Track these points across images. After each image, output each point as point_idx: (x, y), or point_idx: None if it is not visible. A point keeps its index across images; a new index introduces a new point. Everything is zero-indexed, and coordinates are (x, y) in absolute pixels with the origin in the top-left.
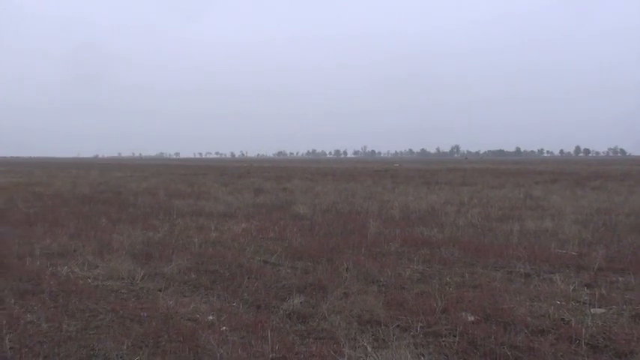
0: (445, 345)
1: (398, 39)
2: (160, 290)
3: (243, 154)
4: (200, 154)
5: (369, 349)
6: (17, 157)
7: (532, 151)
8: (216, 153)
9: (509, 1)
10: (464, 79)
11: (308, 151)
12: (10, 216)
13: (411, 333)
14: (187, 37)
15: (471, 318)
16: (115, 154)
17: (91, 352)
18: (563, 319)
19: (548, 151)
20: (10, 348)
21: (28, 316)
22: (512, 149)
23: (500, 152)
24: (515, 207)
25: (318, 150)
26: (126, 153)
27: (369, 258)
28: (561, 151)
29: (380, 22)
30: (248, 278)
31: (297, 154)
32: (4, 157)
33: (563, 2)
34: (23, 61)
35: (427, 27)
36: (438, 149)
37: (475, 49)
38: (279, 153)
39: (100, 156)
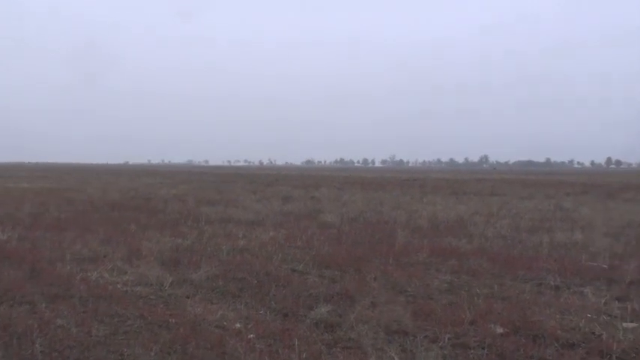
0: (474, 357)
1: (419, 43)
2: (188, 297)
3: (271, 162)
4: (229, 161)
5: (397, 359)
6: (50, 163)
7: (562, 162)
8: (245, 161)
9: (526, 4)
10: (490, 85)
11: (336, 160)
12: (42, 221)
13: (439, 344)
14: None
15: (500, 330)
16: (145, 161)
17: (120, 358)
18: (594, 333)
19: (578, 162)
20: (41, 352)
21: (59, 320)
22: (541, 160)
23: (530, 163)
24: (545, 218)
25: (346, 159)
26: (155, 160)
27: (397, 268)
28: (592, 162)
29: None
30: (275, 286)
31: (325, 162)
32: (37, 163)
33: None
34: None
35: (445, 31)
36: (466, 159)
37: (495, 54)
38: (307, 161)
39: (130, 162)
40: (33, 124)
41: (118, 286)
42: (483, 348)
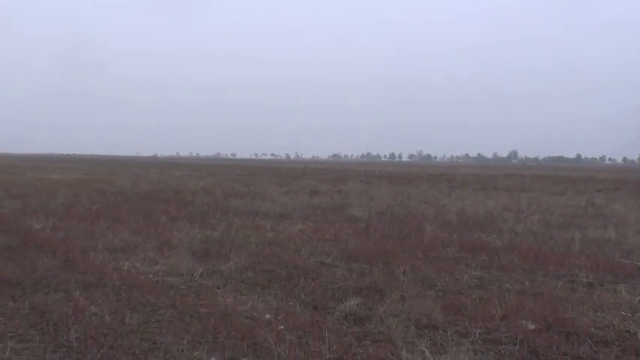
0: (505, 353)
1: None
2: (218, 287)
3: (298, 156)
4: (256, 154)
5: (427, 353)
6: (80, 155)
7: (593, 158)
8: (272, 154)
9: None
10: (520, 78)
11: (363, 154)
12: (74, 212)
13: (470, 339)
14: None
15: (532, 326)
16: (173, 154)
17: (153, 346)
18: (628, 331)
19: (610, 159)
20: (76, 338)
21: (93, 308)
22: (572, 155)
23: (560, 158)
24: (576, 215)
25: (373, 153)
26: (184, 152)
27: (426, 262)
28: (624, 159)
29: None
30: (304, 279)
31: (351, 156)
32: (68, 155)
33: None
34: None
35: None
36: (495, 154)
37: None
38: (334, 155)
39: (159, 155)
40: (64, 116)
41: (150, 275)
42: (515, 344)
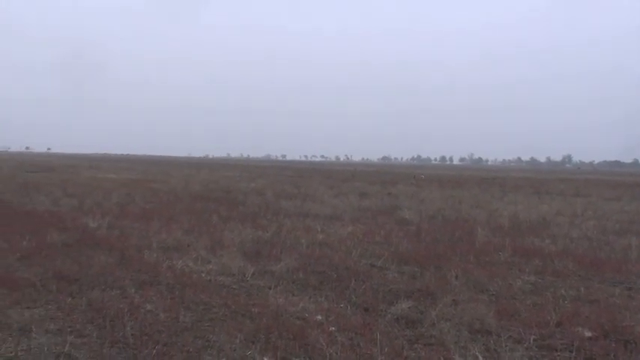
0: None
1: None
2: (269, 288)
3: (348, 158)
4: (306, 156)
5: (481, 358)
6: (133, 155)
7: None
8: (322, 156)
9: None
10: (573, 79)
11: (413, 157)
12: (129, 210)
13: (524, 345)
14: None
15: (588, 334)
16: (224, 155)
17: (206, 344)
18: None
19: None
20: (132, 335)
21: (148, 305)
22: (629, 160)
23: (617, 163)
24: (633, 221)
25: (423, 156)
26: (234, 154)
27: (478, 266)
28: None
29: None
30: (355, 281)
31: (401, 159)
32: (122, 155)
33: None
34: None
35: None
36: (548, 158)
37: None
38: (384, 158)
39: (210, 156)
40: (118, 119)
41: (203, 274)
42: (571, 351)
